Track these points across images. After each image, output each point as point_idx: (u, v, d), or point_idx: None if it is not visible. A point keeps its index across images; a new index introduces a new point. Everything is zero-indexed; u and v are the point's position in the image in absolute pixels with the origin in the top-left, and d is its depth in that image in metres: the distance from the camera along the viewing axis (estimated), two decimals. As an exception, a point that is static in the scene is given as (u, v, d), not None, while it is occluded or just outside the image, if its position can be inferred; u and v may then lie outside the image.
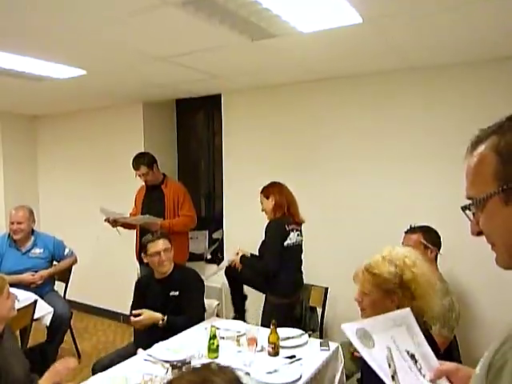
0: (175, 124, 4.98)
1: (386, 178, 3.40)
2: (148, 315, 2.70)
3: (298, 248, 3.18)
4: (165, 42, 2.54)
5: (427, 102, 3.22)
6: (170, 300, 2.80)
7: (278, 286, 3.09)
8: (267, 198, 3.14)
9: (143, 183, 4.01)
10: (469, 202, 0.81)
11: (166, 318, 2.68)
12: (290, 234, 3.09)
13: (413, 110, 3.28)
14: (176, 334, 2.63)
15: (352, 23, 2.18)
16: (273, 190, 3.14)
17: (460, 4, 2.01)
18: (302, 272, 3.27)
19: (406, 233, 2.72)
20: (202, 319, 2.88)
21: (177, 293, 2.82)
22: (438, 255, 2.65)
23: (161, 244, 2.82)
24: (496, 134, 0.76)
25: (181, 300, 2.81)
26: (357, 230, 3.51)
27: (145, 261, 2.89)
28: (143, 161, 3.80)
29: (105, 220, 3.77)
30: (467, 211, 0.82)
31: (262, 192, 3.18)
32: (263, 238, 3.13)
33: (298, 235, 3.17)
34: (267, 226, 3.10)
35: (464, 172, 0.83)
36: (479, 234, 0.82)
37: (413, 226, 2.73)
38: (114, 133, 4.87)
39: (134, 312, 2.72)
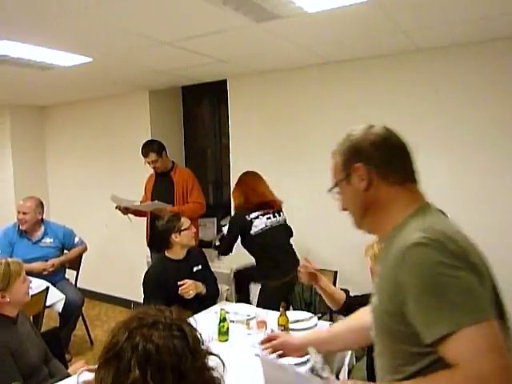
0: (181, 111, 4.98)
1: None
2: (192, 282, 2.76)
3: (273, 230, 3.25)
4: (169, 26, 2.52)
5: (436, 85, 3.17)
6: (195, 275, 2.88)
7: (265, 271, 3.24)
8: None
9: (152, 171, 4.02)
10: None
11: (205, 286, 2.83)
12: (253, 222, 3.21)
13: (422, 94, 3.23)
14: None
15: (357, 1, 2.14)
16: (236, 183, 3.38)
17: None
18: (288, 251, 3.32)
19: None
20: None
21: (200, 267, 2.95)
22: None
23: (186, 218, 2.93)
24: (340, 145, 1.20)
25: (204, 272, 2.95)
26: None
27: (177, 240, 2.83)
28: (152, 148, 3.82)
29: (116, 207, 3.79)
30: (332, 193, 1.22)
31: None
32: None
33: (269, 218, 3.25)
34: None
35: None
36: (344, 209, 1.22)
37: None
38: (121, 121, 4.88)
39: (178, 283, 2.74)
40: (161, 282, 2.78)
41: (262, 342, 1.62)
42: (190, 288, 2.74)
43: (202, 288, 2.84)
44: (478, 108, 3.03)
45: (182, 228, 2.85)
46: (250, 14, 2.29)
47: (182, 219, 2.88)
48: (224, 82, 4.19)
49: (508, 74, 2.92)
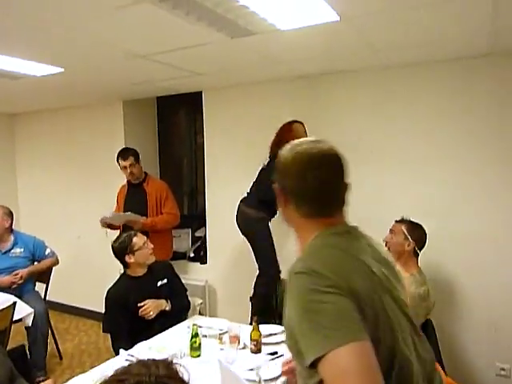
0: (156, 122, 4.95)
1: (378, 177, 3.42)
2: (152, 302, 2.73)
3: None
4: (143, 40, 2.52)
5: (409, 100, 3.25)
6: (160, 290, 2.84)
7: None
8: None
9: (124, 182, 3.98)
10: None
11: (169, 301, 2.80)
12: None
13: (396, 108, 3.31)
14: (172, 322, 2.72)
15: (329, 21, 2.19)
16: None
17: (427, 2, 2.04)
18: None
19: (395, 221, 2.80)
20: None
21: (165, 280, 2.90)
22: (418, 252, 2.70)
23: (141, 235, 2.89)
24: (284, 151, 1.23)
25: (171, 285, 2.91)
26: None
27: (131, 261, 2.80)
28: (131, 152, 3.84)
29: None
30: None
31: None
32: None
33: None
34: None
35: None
36: None
37: (404, 217, 2.80)
38: (95, 131, 4.81)
39: (138, 304, 2.71)
40: (121, 301, 2.73)
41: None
42: (149, 309, 2.70)
43: (164, 305, 2.79)
44: (446, 122, 3.13)
45: (135, 249, 2.79)
46: (224, 30, 2.31)
47: (135, 239, 2.81)
48: (199, 93, 4.19)
49: (471, 89, 3.03)
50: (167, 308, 2.79)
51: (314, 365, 0.94)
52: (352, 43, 2.67)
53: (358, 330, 0.95)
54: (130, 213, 3.65)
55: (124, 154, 3.84)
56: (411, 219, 2.78)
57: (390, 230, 2.76)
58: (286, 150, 1.21)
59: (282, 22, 2.24)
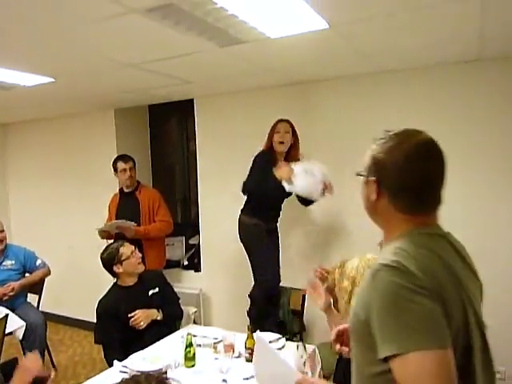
0: (148, 130, 4.94)
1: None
2: (142, 312, 2.71)
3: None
4: (133, 49, 2.52)
5: (399, 104, 3.28)
6: (151, 299, 2.83)
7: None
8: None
9: (116, 191, 3.96)
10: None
11: (160, 311, 2.78)
12: None
13: (386, 112, 3.33)
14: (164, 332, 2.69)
15: (318, 29, 2.20)
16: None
17: (420, 8, 2.06)
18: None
19: None
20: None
21: (157, 289, 2.88)
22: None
23: (129, 245, 2.89)
24: (375, 144, 1.18)
25: (163, 294, 2.90)
26: (333, 232, 3.54)
27: (120, 270, 2.81)
28: (130, 157, 3.89)
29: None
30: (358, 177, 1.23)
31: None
32: None
33: None
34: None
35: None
36: None
37: None
38: (86, 140, 4.79)
39: (129, 315, 2.69)
40: (112, 312, 2.73)
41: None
42: (139, 319, 2.69)
43: (156, 315, 2.78)
44: (436, 126, 3.14)
45: (123, 258, 2.80)
46: (214, 39, 2.31)
47: (121, 249, 2.82)
48: (191, 100, 4.20)
49: (461, 94, 3.07)
50: (159, 317, 2.78)
51: (386, 358, 0.95)
52: (341, 50, 2.69)
53: (444, 336, 0.94)
54: (123, 220, 3.63)
55: (124, 157, 3.88)
56: None
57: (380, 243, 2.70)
58: (383, 141, 1.16)
59: (271, 31, 2.24)
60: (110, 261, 2.81)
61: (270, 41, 2.37)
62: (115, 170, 3.87)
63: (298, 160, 3.12)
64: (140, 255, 2.88)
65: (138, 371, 2.22)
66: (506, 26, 2.35)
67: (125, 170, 3.81)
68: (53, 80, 3.09)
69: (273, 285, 3.22)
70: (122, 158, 3.89)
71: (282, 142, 3.10)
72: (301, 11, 1.99)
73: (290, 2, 1.87)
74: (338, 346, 1.45)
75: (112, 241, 3.77)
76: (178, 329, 2.93)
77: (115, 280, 2.91)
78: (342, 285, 1.75)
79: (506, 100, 2.92)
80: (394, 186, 1.11)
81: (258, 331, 2.07)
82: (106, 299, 2.83)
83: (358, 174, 1.21)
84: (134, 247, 2.89)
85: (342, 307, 1.76)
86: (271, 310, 3.27)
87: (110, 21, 2.01)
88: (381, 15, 2.11)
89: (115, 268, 2.80)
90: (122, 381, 0.92)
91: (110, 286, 2.94)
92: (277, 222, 3.35)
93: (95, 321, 2.80)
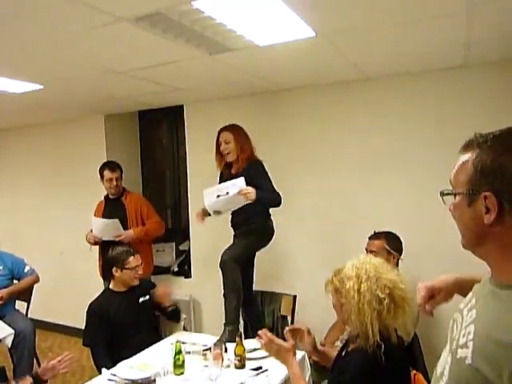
0: (138, 135, 4.93)
1: (351, 187, 3.46)
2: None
3: None
4: (122, 57, 2.52)
5: (385, 110, 3.31)
6: (141, 306, 2.86)
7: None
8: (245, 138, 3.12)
9: (102, 198, 3.95)
10: (448, 189, 1.01)
11: None
12: None
13: (373, 118, 3.36)
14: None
15: (305, 37, 2.22)
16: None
17: (405, 21, 2.09)
18: None
19: (369, 238, 2.78)
20: None
21: (147, 297, 2.92)
22: (400, 260, 2.72)
23: (139, 258, 2.90)
24: (479, 149, 0.92)
25: (152, 303, 2.94)
26: (324, 237, 3.55)
27: (117, 275, 2.83)
28: (117, 165, 3.85)
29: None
30: (444, 197, 1.02)
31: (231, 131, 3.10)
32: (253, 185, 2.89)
33: None
34: (252, 167, 3.02)
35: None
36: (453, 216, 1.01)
37: (376, 231, 2.80)
38: (76, 146, 4.77)
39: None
40: (103, 315, 2.75)
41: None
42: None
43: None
44: (420, 132, 3.19)
45: (126, 266, 2.81)
46: (202, 46, 2.33)
47: (131, 258, 2.83)
48: (181, 106, 4.20)
49: (442, 100, 3.11)
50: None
51: None
52: (328, 57, 2.71)
53: None
54: (117, 220, 3.61)
55: (111, 165, 3.83)
56: (380, 230, 2.78)
57: (371, 250, 2.69)
58: (488, 145, 0.91)
59: (259, 39, 2.26)
60: (113, 261, 2.84)
61: (257, 49, 2.39)
62: (101, 177, 3.84)
63: (252, 161, 3.05)
64: (140, 272, 2.89)
65: (127, 379, 2.22)
66: (490, 34, 2.39)
67: (111, 179, 3.79)
68: (41, 87, 3.08)
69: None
70: (108, 166, 3.84)
71: (228, 153, 3.09)
72: (288, 19, 2.00)
73: (278, 10, 1.89)
74: (428, 307, 1.26)
75: (93, 246, 3.79)
76: (168, 335, 2.93)
77: (108, 283, 2.94)
78: (346, 287, 1.72)
79: (491, 104, 2.96)
80: None
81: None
82: (97, 302, 2.86)
83: (451, 194, 0.97)
84: (140, 263, 2.89)
85: (352, 308, 1.67)
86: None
87: (99, 29, 2.01)
88: (367, 24, 2.13)
89: (114, 270, 2.82)
90: None
91: (101, 292, 2.97)
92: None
93: (85, 324, 2.82)
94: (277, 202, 2.97)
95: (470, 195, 0.91)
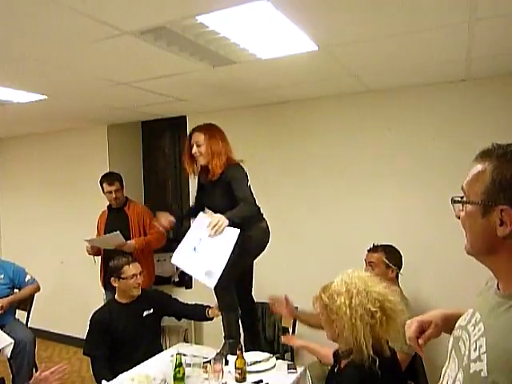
0: (141, 145, 4.95)
1: (351, 200, 3.46)
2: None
3: None
4: (126, 69, 2.54)
5: (387, 123, 3.32)
6: (145, 320, 2.83)
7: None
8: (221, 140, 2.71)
9: (105, 208, 3.95)
10: (459, 196, 1.00)
11: None
12: None
13: (374, 131, 3.37)
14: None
15: (308, 50, 2.24)
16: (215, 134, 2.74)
17: (407, 36, 2.11)
18: None
19: (368, 251, 2.78)
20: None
21: (151, 311, 2.87)
22: (400, 275, 2.71)
23: (138, 266, 2.86)
24: (498, 160, 0.91)
25: (157, 316, 2.91)
26: (324, 249, 3.54)
27: (115, 285, 2.82)
28: (117, 177, 3.84)
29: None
30: (455, 204, 1.01)
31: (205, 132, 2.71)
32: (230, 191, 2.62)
33: None
34: (233, 169, 2.66)
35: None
36: (459, 217, 1.01)
37: (375, 244, 2.79)
38: (79, 155, 4.79)
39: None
40: (105, 326, 2.73)
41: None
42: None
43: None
44: (422, 143, 3.20)
45: (122, 276, 2.78)
46: (206, 59, 2.35)
47: (125, 267, 2.79)
48: (184, 117, 4.22)
49: (444, 113, 3.13)
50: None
51: None
52: (330, 70, 2.74)
53: None
54: (118, 232, 3.59)
55: (109, 178, 3.83)
56: (382, 243, 2.77)
57: (369, 262, 2.71)
58: (506, 157, 0.91)
59: (262, 52, 2.28)
60: (110, 271, 2.83)
61: (260, 61, 2.41)
62: (102, 189, 3.86)
63: (230, 164, 2.68)
64: (140, 281, 2.83)
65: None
66: (491, 49, 2.41)
67: (110, 192, 3.80)
68: (45, 97, 3.10)
69: None
70: (107, 179, 3.83)
71: (199, 156, 2.70)
72: (291, 33, 2.02)
73: (281, 24, 1.90)
74: (420, 341, 1.23)
75: (99, 257, 3.78)
76: (168, 347, 2.91)
77: (113, 294, 2.93)
78: (336, 303, 1.71)
79: (492, 118, 2.96)
80: None
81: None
82: (101, 312, 2.84)
83: (465, 202, 0.96)
84: (140, 271, 2.85)
85: (345, 324, 1.67)
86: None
87: (104, 42, 2.03)
88: (369, 39, 2.15)
89: (112, 280, 2.82)
90: None
91: (106, 302, 3.00)
92: None
93: (86, 333, 2.80)
94: (250, 213, 2.62)
95: (485, 206, 0.91)
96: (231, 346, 2.70)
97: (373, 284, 1.72)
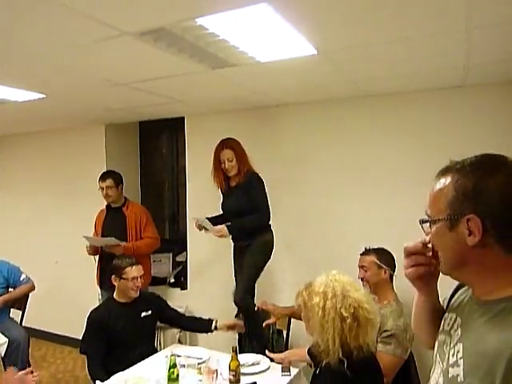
0: (138, 146, 4.96)
1: (346, 203, 3.48)
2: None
3: None
4: (125, 70, 2.55)
5: (383, 128, 3.34)
6: (143, 321, 2.84)
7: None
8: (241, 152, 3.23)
9: (103, 207, 3.95)
10: (426, 216, 1.01)
11: None
12: None
13: (371, 135, 3.39)
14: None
15: (307, 54, 2.25)
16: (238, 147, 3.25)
17: (405, 42, 2.12)
18: None
19: (361, 255, 2.81)
20: None
21: (149, 312, 2.88)
22: (394, 276, 2.72)
23: (140, 269, 2.87)
24: (458, 172, 0.94)
25: (154, 318, 2.92)
26: (318, 253, 3.55)
27: (115, 283, 2.83)
28: (112, 175, 3.85)
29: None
30: (424, 224, 1.02)
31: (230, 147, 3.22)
32: (249, 195, 3.12)
33: None
34: (252, 179, 3.17)
35: (426, 192, 1.02)
36: (432, 246, 1.02)
37: (367, 248, 2.82)
38: (76, 155, 4.79)
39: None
40: (102, 324, 2.73)
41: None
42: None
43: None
44: (417, 147, 3.22)
45: (123, 276, 2.80)
46: (205, 61, 2.35)
47: (128, 268, 2.80)
48: (182, 118, 4.23)
49: (440, 119, 3.15)
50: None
51: None
52: (329, 75, 2.75)
53: None
54: (113, 238, 3.60)
55: (104, 175, 3.86)
56: (374, 247, 2.79)
57: (361, 266, 2.74)
58: (468, 169, 0.94)
59: (261, 55, 2.29)
60: (113, 269, 2.85)
61: (259, 65, 2.41)
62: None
63: (250, 173, 3.20)
64: (139, 284, 2.84)
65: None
66: (489, 57, 2.43)
67: (102, 188, 3.81)
68: (44, 96, 3.10)
69: None
70: (102, 175, 3.87)
71: (231, 170, 3.20)
72: (290, 37, 2.03)
73: (280, 28, 1.91)
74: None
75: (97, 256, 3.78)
76: (162, 348, 2.91)
77: (112, 293, 2.93)
78: (312, 302, 1.77)
79: (489, 124, 2.98)
80: (503, 219, 0.88)
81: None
82: (98, 311, 2.85)
83: (432, 221, 0.97)
84: (141, 275, 2.86)
85: (316, 323, 1.75)
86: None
87: (103, 42, 2.03)
88: (368, 44, 2.16)
89: (113, 278, 2.84)
90: None
91: (104, 300, 2.99)
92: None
93: (83, 333, 2.80)
94: (256, 224, 3.12)
95: (451, 220, 0.92)
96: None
97: (351, 289, 1.77)
